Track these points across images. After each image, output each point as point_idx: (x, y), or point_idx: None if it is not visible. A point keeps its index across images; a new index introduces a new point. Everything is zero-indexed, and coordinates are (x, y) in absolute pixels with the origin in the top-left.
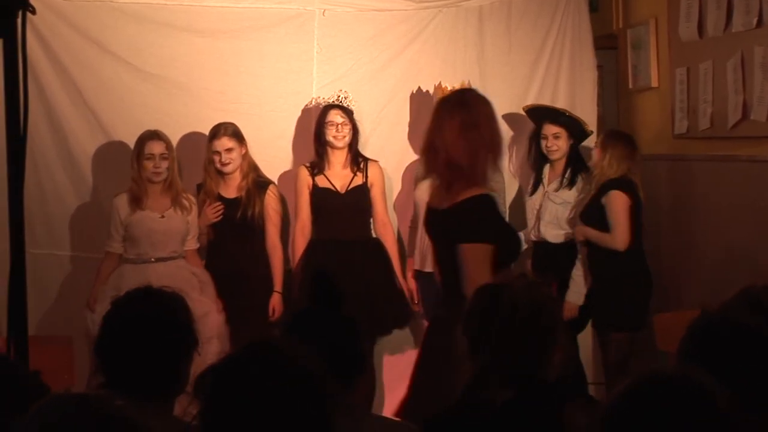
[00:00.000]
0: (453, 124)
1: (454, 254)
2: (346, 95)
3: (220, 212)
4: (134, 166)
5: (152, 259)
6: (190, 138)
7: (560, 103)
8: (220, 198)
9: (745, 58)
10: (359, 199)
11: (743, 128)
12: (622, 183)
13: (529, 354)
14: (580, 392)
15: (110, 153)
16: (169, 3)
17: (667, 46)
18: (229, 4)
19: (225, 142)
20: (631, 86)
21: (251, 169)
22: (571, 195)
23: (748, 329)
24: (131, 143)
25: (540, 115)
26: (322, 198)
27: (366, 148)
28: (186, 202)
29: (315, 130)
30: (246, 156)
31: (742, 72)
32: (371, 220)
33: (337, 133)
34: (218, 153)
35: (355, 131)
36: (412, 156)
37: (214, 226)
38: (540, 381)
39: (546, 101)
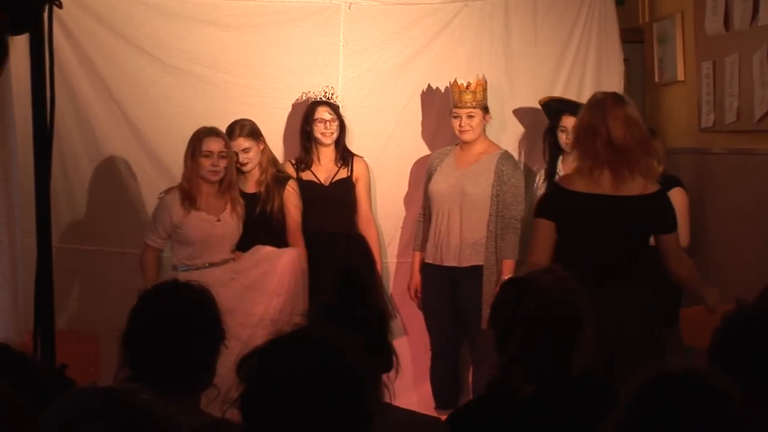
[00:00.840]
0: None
1: (643, 240)
2: (333, 91)
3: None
4: (188, 163)
5: (206, 265)
6: None
7: (586, 97)
8: (240, 194)
9: None
10: (343, 191)
11: None
12: (675, 180)
13: (554, 348)
14: (607, 388)
15: (135, 147)
16: None
17: (693, 39)
18: None
19: (241, 143)
20: (657, 80)
21: (270, 164)
22: None
23: None
24: (156, 137)
25: (557, 107)
26: (306, 190)
27: (391, 141)
28: (240, 207)
29: (302, 126)
30: (265, 151)
31: None
32: (355, 215)
33: (325, 130)
34: (235, 153)
35: (342, 127)
36: (425, 150)
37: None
38: (564, 376)
39: (572, 94)
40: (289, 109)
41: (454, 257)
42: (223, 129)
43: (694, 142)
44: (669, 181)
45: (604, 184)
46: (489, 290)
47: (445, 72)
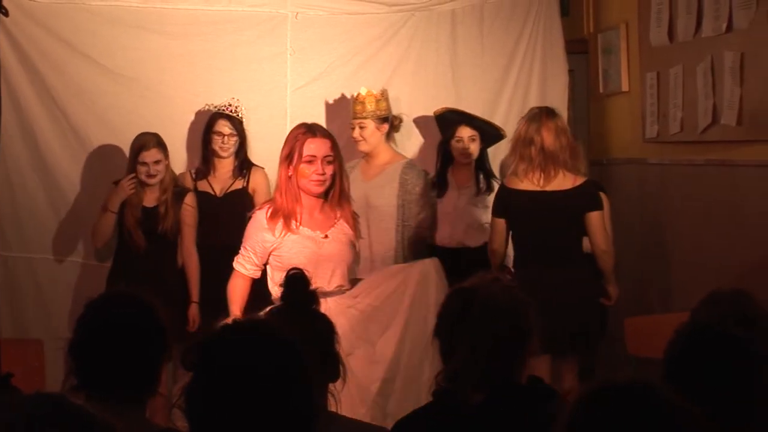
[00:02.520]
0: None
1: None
2: (237, 104)
3: (133, 186)
4: (289, 174)
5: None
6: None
7: (531, 106)
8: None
9: (715, 62)
10: (236, 202)
11: (713, 133)
12: (598, 185)
13: (502, 357)
14: (552, 396)
15: (80, 155)
16: (141, 5)
17: (637, 50)
18: (202, 6)
19: (154, 154)
20: (601, 90)
21: (171, 179)
22: (491, 200)
23: (736, 340)
24: (102, 145)
25: (454, 117)
26: (200, 201)
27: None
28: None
29: (202, 136)
30: (168, 167)
31: (712, 77)
32: None
33: (223, 144)
34: (146, 165)
35: (242, 141)
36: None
37: (132, 235)
38: (512, 384)
39: (518, 104)
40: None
41: (364, 270)
42: (178, 135)
43: (638, 152)
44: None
45: (536, 182)
46: None
47: (393, 81)
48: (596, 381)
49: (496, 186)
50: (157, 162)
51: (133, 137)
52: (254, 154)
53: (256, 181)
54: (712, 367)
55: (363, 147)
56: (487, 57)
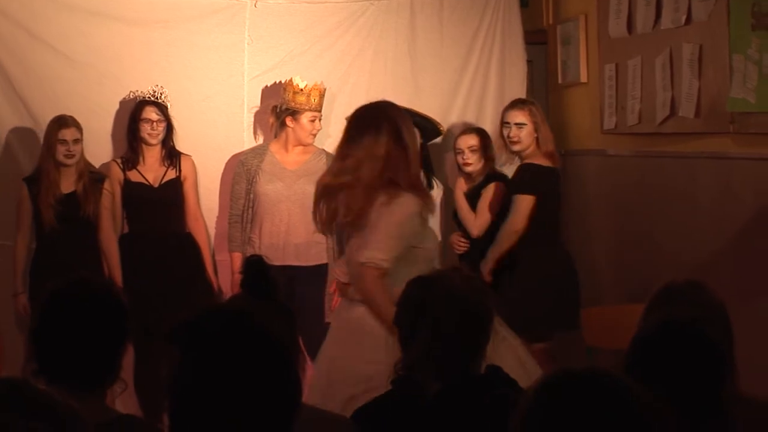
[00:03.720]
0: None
1: None
2: (162, 91)
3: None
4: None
5: None
6: (120, 128)
7: (490, 97)
8: (56, 194)
9: (674, 55)
10: (172, 192)
11: (671, 125)
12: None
13: (459, 346)
14: (511, 384)
15: (37, 141)
16: None
17: (596, 42)
18: None
19: (73, 132)
20: (560, 81)
21: (86, 163)
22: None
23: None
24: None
25: None
26: (135, 192)
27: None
28: None
29: (129, 125)
30: (83, 150)
31: (671, 69)
32: (184, 214)
33: (152, 131)
34: (65, 143)
35: (169, 127)
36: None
37: (46, 222)
38: (470, 373)
39: (476, 94)
40: (194, 105)
41: (298, 257)
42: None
43: (596, 143)
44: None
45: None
46: (331, 285)
47: (351, 71)
48: (553, 370)
49: (435, 184)
50: (75, 141)
51: (91, 124)
52: (211, 141)
53: (187, 169)
54: (678, 364)
55: (311, 140)
56: (446, 47)
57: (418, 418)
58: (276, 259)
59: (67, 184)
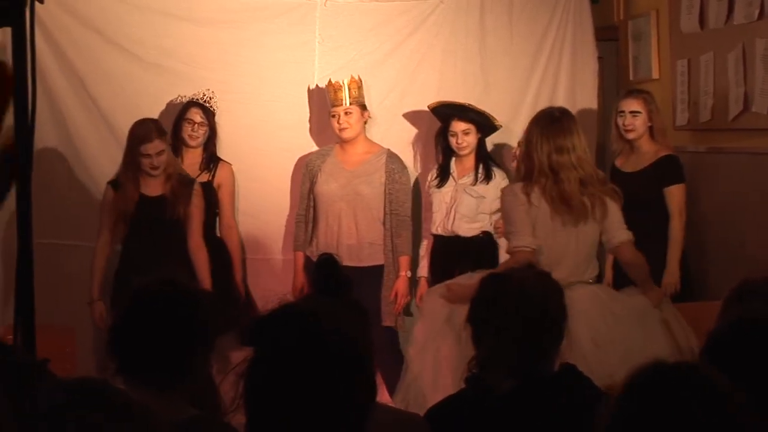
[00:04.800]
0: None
1: None
2: (211, 95)
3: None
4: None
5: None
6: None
7: (561, 95)
8: (142, 198)
9: (747, 50)
10: (208, 196)
11: (744, 120)
12: None
13: (533, 344)
14: (586, 383)
15: (111, 142)
16: None
17: (668, 37)
18: None
19: (157, 145)
20: (631, 78)
21: (174, 164)
22: (488, 189)
23: None
24: None
25: (447, 111)
26: None
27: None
28: None
29: (173, 126)
30: (169, 152)
31: (744, 64)
32: (216, 219)
33: (192, 132)
34: (149, 156)
35: (212, 132)
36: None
37: (132, 226)
38: (543, 371)
39: (547, 92)
40: (264, 105)
41: (351, 257)
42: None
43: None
44: None
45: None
46: (389, 287)
47: (420, 69)
48: (644, 365)
49: (496, 176)
50: (159, 153)
51: (167, 126)
52: (279, 139)
53: (222, 176)
54: (753, 361)
55: (348, 134)
56: (515, 45)
57: (490, 417)
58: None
59: (155, 186)
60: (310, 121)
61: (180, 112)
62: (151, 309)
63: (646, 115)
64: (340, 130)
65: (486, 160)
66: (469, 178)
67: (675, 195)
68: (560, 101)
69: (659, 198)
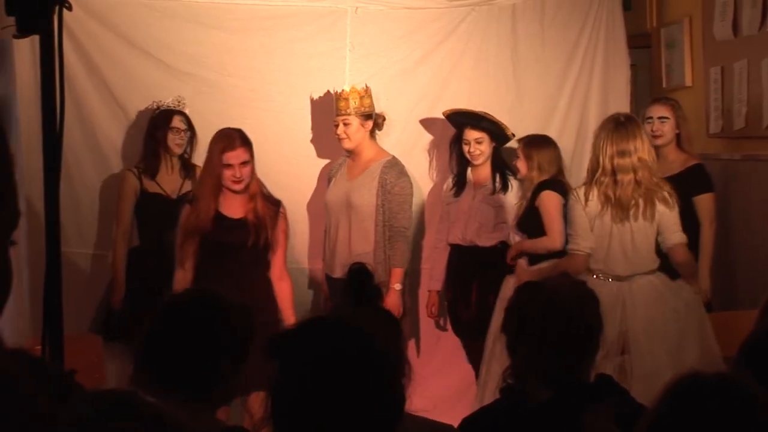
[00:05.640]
0: None
1: None
2: (183, 100)
3: None
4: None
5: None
6: None
7: (593, 102)
8: (221, 218)
9: None
10: None
11: None
12: (551, 183)
13: (567, 353)
14: (622, 394)
15: (139, 150)
16: (199, 0)
17: (701, 44)
18: (261, 1)
19: (241, 154)
20: (664, 85)
21: (259, 182)
22: (506, 199)
23: None
24: None
25: (460, 120)
26: (152, 203)
27: (397, 148)
28: None
29: (150, 133)
30: (254, 167)
31: None
32: None
33: (179, 141)
34: (232, 167)
35: (191, 138)
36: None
37: (206, 252)
38: (579, 381)
39: (579, 100)
40: (294, 113)
41: (341, 269)
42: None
43: (701, 148)
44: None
45: None
46: None
47: (451, 77)
48: (682, 375)
49: (513, 186)
50: (244, 163)
51: (204, 133)
52: (310, 148)
53: None
54: None
55: (347, 144)
56: (548, 51)
57: (525, 427)
58: (330, 271)
59: (236, 207)
60: None
61: (158, 120)
62: (184, 319)
63: (674, 122)
64: (339, 140)
65: (502, 170)
66: (486, 187)
67: (705, 204)
68: (592, 109)
69: (687, 207)
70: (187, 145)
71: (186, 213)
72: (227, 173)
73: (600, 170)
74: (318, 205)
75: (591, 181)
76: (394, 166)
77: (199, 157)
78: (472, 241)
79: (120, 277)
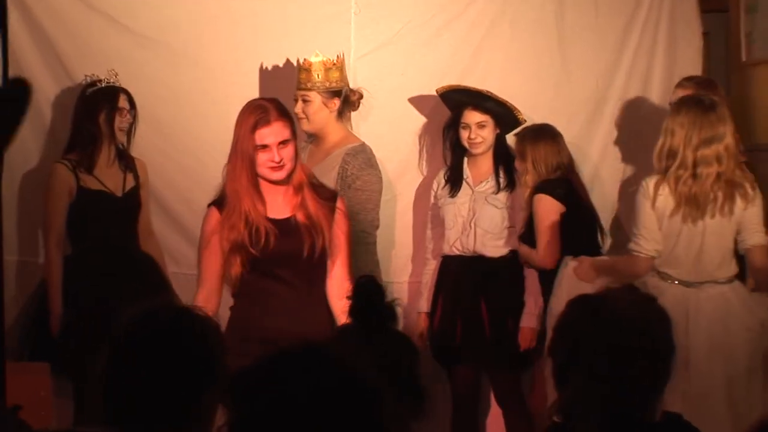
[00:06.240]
0: None
1: None
2: (115, 72)
3: None
4: None
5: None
6: (198, 119)
7: (657, 78)
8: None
9: None
10: (136, 203)
11: None
12: (548, 185)
13: (629, 385)
14: None
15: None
16: None
17: None
18: None
19: (279, 130)
20: (744, 58)
21: (307, 173)
22: (515, 198)
23: None
24: None
25: (458, 98)
26: (93, 203)
27: (422, 135)
28: None
29: (83, 116)
30: (298, 147)
31: None
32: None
33: (123, 125)
34: (268, 149)
35: (132, 120)
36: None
37: (253, 267)
38: (643, 421)
39: (639, 76)
40: (289, 91)
41: None
42: (214, 115)
43: None
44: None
45: None
46: None
47: (483, 46)
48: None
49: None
50: (284, 143)
51: (160, 113)
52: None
53: (145, 176)
54: None
55: (306, 126)
56: (602, 17)
57: None
58: None
59: (278, 204)
60: None
61: (105, 100)
62: (155, 345)
63: None
64: (298, 120)
65: (508, 162)
66: (488, 184)
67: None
68: (655, 86)
69: None
70: (128, 131)
71: (215, 220)
72: (262, 157)
73: (678, 162)
74: None
75: (663, 172)
76: (358, 154)
77: (152, 147)
78: (476, 251)
79: (56, 294)
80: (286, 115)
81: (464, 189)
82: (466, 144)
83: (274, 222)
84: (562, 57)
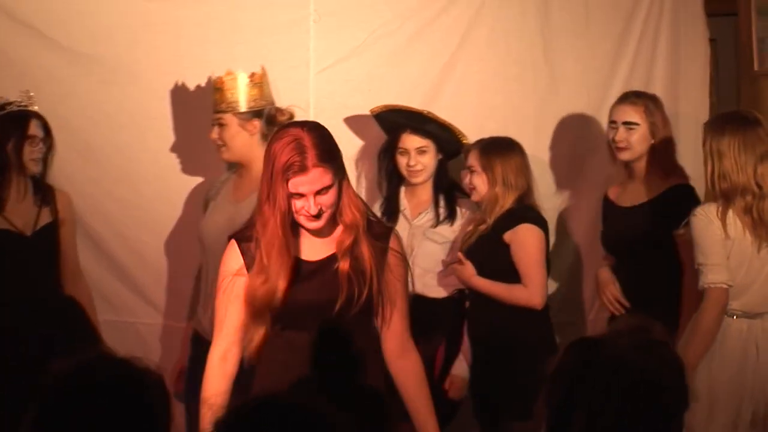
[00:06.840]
0: None
1: None
2: (30, 94)
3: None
4: None
5: None
6: (134, 142)
7: (658, 92)
8: (299, 263)
9: None
10: (49, 242)
11: None
12: (529, 213)
13: None
14: None
15: None
16: None
17: None
18: None
19: (318, 177)
20: (756, 67)
21: (360, 206)
22: (454, 232)
23: None
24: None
25: (396, 120)
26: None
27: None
28: None
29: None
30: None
31: None
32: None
33: (38, 155)
34: (304, 198)
35: (48, 148)
36: None
37: (280, 320)
38: None
39: (637, 87)
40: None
41: None
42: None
43: None
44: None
45: None
46: None
47: (459, 56)
48: None
49: (461, 216)
50: (324, 190)
51: (93, 138)
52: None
53: (65, 210)
54: None
55: (225, 155)
56: (593, 23)
57: None
58: (200, 327)
59: (315, 245)
60: None
61: (11, 127)
62: (90, 403)
63: (647, 129)
64: (216, 148)
65: (448, 191)
66: (426, 217)
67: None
68: None
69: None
70: (43, 160)
71: (235, 257)
72: (297, 204)
73: (741, 185)
74: (182, 241)
75: (721, 197)
76: None
77: (82, 176)
78: (416, 291)
79: None
80: (327, 154)
81: (401, 222)
82: (404, 172)
83: (307, 264)
84: (548, 69)
